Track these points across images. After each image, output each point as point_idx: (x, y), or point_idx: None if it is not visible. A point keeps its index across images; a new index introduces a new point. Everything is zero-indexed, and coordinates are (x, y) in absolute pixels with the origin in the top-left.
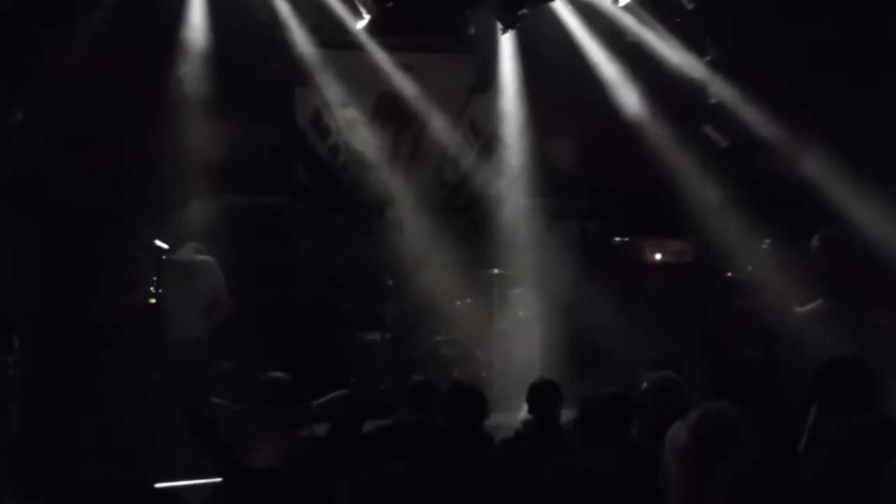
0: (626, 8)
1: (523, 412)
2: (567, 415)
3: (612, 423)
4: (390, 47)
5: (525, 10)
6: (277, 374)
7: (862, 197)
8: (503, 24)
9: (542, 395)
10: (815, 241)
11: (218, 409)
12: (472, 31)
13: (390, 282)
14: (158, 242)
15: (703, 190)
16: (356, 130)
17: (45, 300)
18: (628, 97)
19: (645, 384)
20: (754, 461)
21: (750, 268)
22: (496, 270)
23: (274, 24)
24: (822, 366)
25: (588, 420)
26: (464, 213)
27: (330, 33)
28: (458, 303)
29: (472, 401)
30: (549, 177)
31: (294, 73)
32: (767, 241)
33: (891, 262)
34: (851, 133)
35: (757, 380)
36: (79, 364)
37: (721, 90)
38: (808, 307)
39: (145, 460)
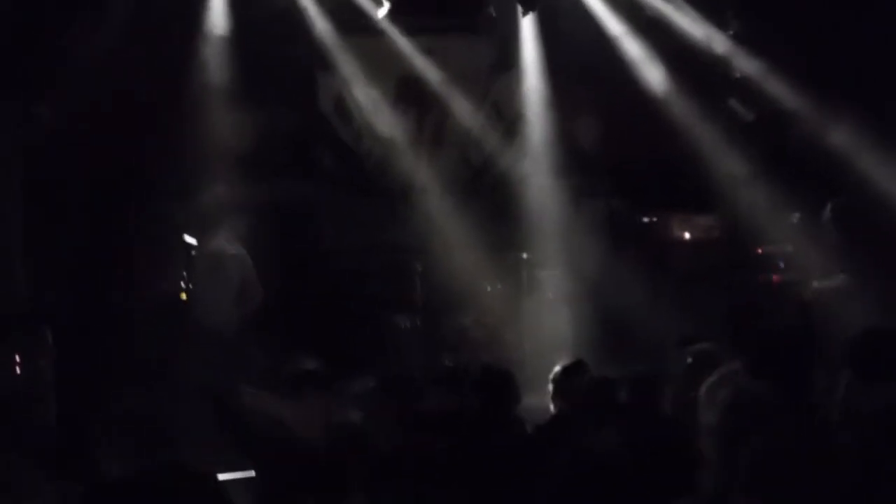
0: None
1: None
2: None
3: (642, 402)
4: (410, 31)
5: None
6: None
7: (892, 166)
8: (523, 6)
9: (570, 377)
10: (826, 213)
11: (251, 397)
12: (492, 10)
13: (419, 266)
14: (187, 237)
15: (729, 164)
16: (379, 115)
17: (76, 293)
18: (651, 72)
19: (689, 358)
20: (785, 436)
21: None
22: (524, 255)
23: (294, 10)
24: (859, 334)
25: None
26: (490, 194)
27: (350, 19)
28: (487, 286)
29: (503, 384)
30: (574, 156)
31: (316, 58)
32: (797, 214)
33: None
34: (879, 101)
35: (785, 354)
36: (110, 356)
37: (745, 63)
38: (826, 284)
39: (172, 453)
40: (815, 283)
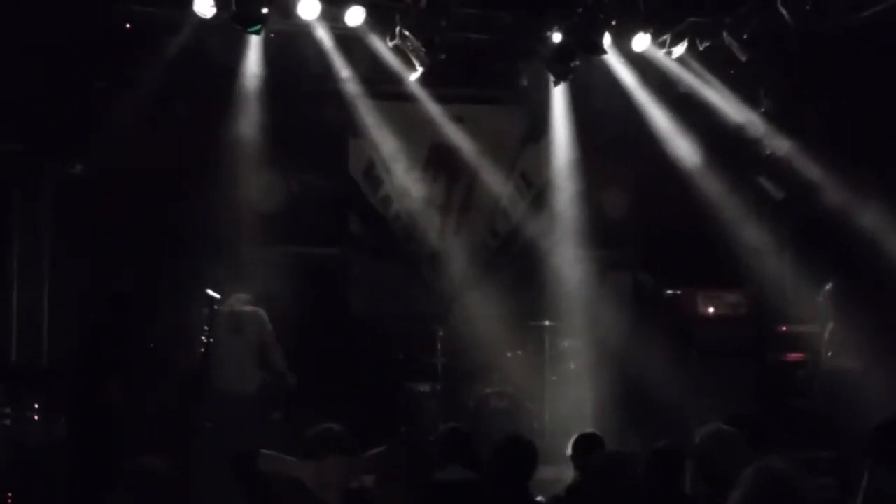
0: (679, 60)
1: None
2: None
3: (663, 477)
4: (442, 99)
5: (577, 62)
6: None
7: None
8: (555, 76)
9: (585, 449)
10: (824, 294)
11: (270, 461)
12: (525, 82)
13: (441, 332)
14: (210, 292)
15: (757, 240)
16: (408, 181)
17: (93, 352)
18: (682, 147)
19: (697, 438)
20: None
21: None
22: (547, 322)
23: (328, 75)
24: (883, 423)
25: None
26: (515, 263)
27: (383, 85)
28: (509, 354)
29: (525, 456)
30: (601, 227)
31: (347, 124)
32: (827, 288)
33: None
34: None
35: (815, 436)
36: (124, 416)
37: (776, 142)
38: (839, 365)
39: None
40: (829, 364)
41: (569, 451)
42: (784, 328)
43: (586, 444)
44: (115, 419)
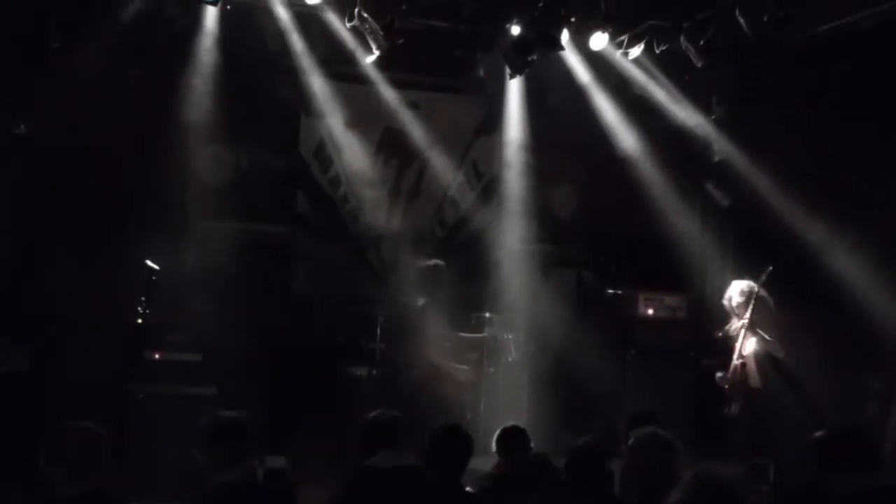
0: (636, 61)
1: None
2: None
3: (584, 473)
4: (398, 84)
5: (534, 57)
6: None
7: (863, 264)
8: (512, 68)
9: (508, 443)
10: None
11: None
12: (481, 72)
13: (381, 318)
14: (150, 263)
15: (702, 246)
16: (358, 164)
17: (34, 315)
18: (633, 149)
19: (631, 440)
20: None
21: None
22: (488, 314)
23: (285, 53)
24: (827, 432)
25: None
26: (460, 253)
27: (339, 66)
28: (448, 343)
29: (459, 447)
30: (548, 223)
31: (301, 102)
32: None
33: (886, 328)
34: (858, 196)
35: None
36: (56, 380)
37: (725, 149)
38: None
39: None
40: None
41: (493, 446)
42: (720, 334)
43: (510, 438)
44: (21, 384)
